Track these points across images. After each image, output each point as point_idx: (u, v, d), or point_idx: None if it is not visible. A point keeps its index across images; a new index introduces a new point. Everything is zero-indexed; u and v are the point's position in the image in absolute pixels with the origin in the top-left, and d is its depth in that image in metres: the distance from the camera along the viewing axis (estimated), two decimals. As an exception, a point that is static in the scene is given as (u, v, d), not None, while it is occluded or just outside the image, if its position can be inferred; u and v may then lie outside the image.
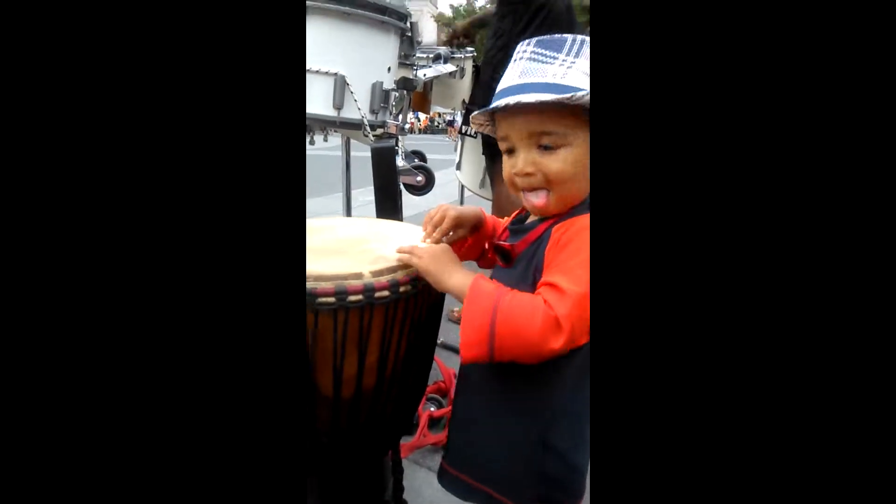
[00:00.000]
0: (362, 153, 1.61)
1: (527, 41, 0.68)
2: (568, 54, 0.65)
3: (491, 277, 0.77)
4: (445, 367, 1.55)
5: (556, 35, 0.67)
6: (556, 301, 0.59)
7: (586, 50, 0.65)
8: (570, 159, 0.65)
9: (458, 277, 0.67)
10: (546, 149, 0.66)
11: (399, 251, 0.72)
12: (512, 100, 0.64)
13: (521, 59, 0.68)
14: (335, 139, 2.05)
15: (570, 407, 0.69)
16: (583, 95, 0.61)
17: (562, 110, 0.63)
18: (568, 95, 0.61)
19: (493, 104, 0.67)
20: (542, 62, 0.66)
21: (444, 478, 0.79)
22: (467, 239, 0.83)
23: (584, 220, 0.65)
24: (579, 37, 0.66)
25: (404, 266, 0.72)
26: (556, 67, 0.65)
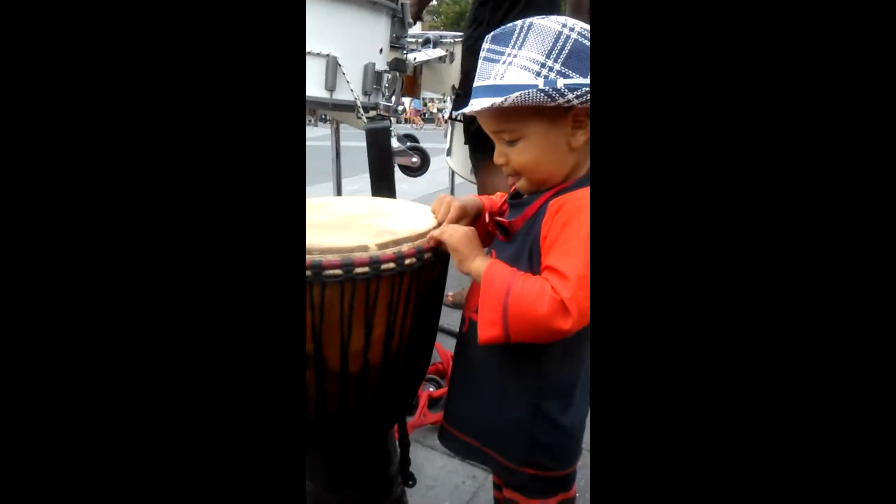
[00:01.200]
0: (352, 143, 1.59)
1: (487, 36, 0.69)
2: (513, 47, 0.65)
3: (490, 249, 0.78)
4: (443, 349, 1.56)
5: (508, 25, 0.67)
6: (560, 285, 0.61)
7: (531, 37, 0.65)
8: (528, 150, 0.68)
9: (479, 261, 0.70)
10: (509, 142, 0.69)
11: (432, 235, 0.74)
12: (466, 110, 0.69)
13: (480, 57, 0.70)
14: (324, 129, 2.03)
15: (562, 373, 0.72)
16: (502, 102, 0.62)
17: (506, 110, 0.65)
18: (501, 100, 0.63)
19: (458, 111, 0.72)
20: (491, 61, 0.67)
21: (444, 436, 0.82)
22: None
23: (580, 198, 0.66)
24: (528, 22, 0.66)
25: (409, 239, 0.73)
26: (499, 66, 0.66)
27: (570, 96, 0.62)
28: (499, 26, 0.68)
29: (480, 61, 0.69)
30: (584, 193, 0.66)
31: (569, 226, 0.64)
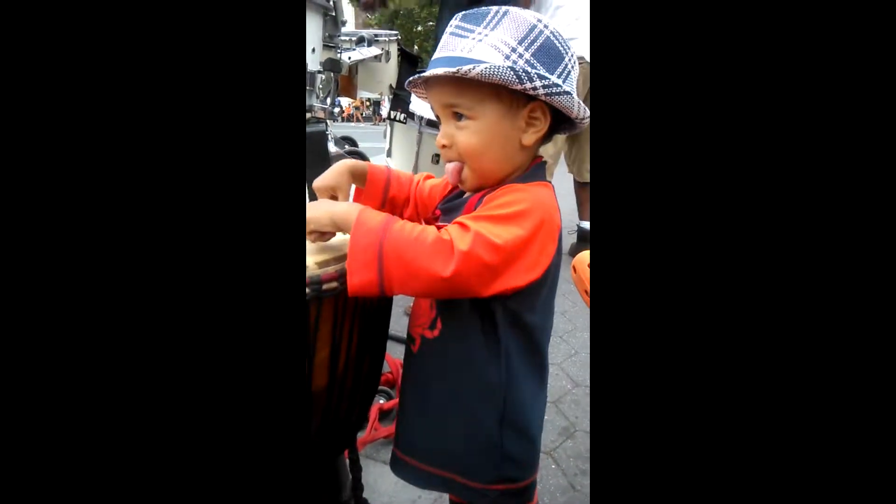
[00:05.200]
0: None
1: (457, 15, 0.68)
2: (485, 27, 0.64)
3: None
4: (392, 357, 1.52)
5: (483, 8, 0.66)
6: (458, 234, 0.58)
7: (506, 21, 0.64)
8: (478, 133, 0.65)
9: (342, 206, 0.66)
10: (459, 121, 0.66)
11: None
12: (427, 73, 0.65)
13: (446, 32, 0.68)
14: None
15: (523, 381, 0.69)
16: (469, 69, 0.60)
17: (466, 83, 0.63)
18: (469, 67, 0.60)
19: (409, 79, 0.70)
20: (459, 36, 0.65)
21: (398, 466, 0.76)
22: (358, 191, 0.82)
23: (512, 185, 0.65)
24: (504, 8, 0.65)
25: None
26: (468, 41, 0.64)
27: (538, 83, 0.61)
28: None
29: (445, 35, 0.67)
30: (521, 184, 0.65)
31: (494, 199, 0.63)
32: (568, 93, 0.63)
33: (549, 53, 0.64)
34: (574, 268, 1.00)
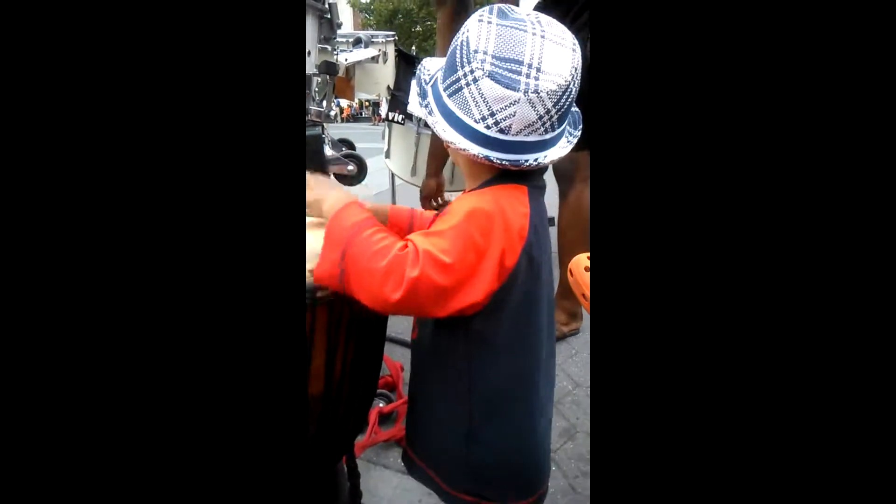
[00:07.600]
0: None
1: None
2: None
3: None
4: (392, 360, 1.51)
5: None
6: (411, 256, 0.57)
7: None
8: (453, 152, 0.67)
9: (334, 197, 0.66)
10: None
11: None
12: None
13: None
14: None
15: (497, 397, 0.67)
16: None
17: None
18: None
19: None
20: None
21: (404, 457, 0.77)
22: None
23: (463, 195, 0.65)
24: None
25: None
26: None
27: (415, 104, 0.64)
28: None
29: None
30: (479, 190, 0.64)
31: (448, 212, 0.62)
32: (430, 110, 0.61)
33: (449, 65, 0.60)
34: (571, 271, 0.99)
